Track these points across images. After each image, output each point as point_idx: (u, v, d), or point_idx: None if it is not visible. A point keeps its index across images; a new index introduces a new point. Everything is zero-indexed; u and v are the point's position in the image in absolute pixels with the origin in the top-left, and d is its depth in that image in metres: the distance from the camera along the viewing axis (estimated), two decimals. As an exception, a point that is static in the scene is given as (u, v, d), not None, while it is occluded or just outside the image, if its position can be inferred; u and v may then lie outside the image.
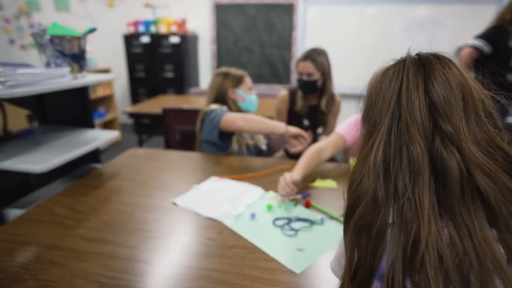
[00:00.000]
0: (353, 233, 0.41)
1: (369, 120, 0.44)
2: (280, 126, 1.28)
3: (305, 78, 1.63)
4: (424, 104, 0.40)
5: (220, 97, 1.41)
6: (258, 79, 4.36)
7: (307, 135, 1.28)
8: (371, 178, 0.40)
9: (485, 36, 2.23)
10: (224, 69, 1.45)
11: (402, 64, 0.43)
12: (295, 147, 1.28)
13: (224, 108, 1.38)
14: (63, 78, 0.99)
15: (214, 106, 1.37)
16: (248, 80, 1.46)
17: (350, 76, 4.14)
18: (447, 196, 0.37)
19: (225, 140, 1.39)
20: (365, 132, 0.45)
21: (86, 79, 1.11)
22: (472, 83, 0.41)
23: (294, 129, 1.28)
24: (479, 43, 2.23)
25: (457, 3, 3.71)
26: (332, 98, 1.76)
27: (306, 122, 1.71)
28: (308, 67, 1.61)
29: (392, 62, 0.45)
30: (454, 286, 0.34)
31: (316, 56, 1.61)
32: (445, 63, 0.42)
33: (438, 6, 3.76)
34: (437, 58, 0.42)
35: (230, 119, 1.28)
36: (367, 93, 0.46)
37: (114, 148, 3.71)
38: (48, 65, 1.04)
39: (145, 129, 3.49)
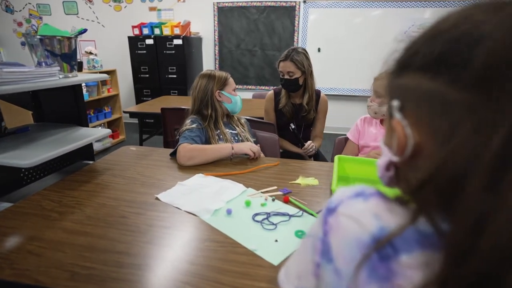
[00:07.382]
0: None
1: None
2: (226, 149, 1.30)
3: (286, 77, 1.69)
4: None
5: (205, 100, 1.40)
6: (259, 80, 4.38)
7: (256, 149, 1.32)
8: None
9: None
10: (207, 71, 1.45)
11: None
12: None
13: (194, 126, 1.35)
14: (52, 77, 1.03)
15: (188, 121, 1.38)
16: (232, 81, 1.46)
17: (350, 78, 4.11)
18: None
19: None
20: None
21: (76, 78, 1.15)
22: None
23: (243, 147, 1.31)
24: None
25: (460, 6, 3.66)
26: (317, 95, 1.80)
27: (292, 125, 1.76)
28: (288, 66, 1.67)
29: None
30: None
31: (296, 56, 1.66)
32: None
33: (441, 9, 3.70)
34: None
35: (183, 156, 1.25)
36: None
37: (118, 147, 3.78)
38: (39, 64, 1.08)
39: (148, 128, 3.55)
